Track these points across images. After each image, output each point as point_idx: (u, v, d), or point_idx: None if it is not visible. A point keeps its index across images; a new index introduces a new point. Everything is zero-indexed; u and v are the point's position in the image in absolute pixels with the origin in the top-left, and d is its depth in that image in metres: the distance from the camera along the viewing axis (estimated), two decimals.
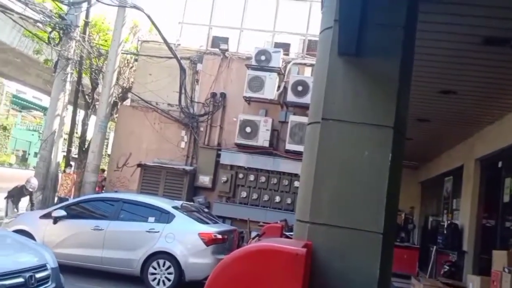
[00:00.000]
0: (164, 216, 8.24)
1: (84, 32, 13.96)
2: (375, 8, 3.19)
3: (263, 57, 12.58)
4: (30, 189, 11.72)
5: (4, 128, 37.54)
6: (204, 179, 13.03)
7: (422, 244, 12.67)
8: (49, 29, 13.30)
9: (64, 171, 13.41)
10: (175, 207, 8.54)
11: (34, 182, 11.85)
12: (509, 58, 4.95)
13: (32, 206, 12.10)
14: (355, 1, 2.99)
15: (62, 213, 8.47)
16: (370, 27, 3.17)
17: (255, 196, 12.66)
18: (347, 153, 3.13)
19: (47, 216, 8.58)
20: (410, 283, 8.41)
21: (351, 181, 3.08)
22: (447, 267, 8.96)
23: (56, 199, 12.97)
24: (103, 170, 14.52)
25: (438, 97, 6.75)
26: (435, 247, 9.68)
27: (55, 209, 8.76)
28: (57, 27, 12.94)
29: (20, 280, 4.39)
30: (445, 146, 10.60)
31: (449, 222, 9.79)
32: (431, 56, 5.23)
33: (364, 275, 2.92)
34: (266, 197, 12.59)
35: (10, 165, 33.71)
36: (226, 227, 9.66)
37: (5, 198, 12.19)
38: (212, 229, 8.34)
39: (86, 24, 14.22)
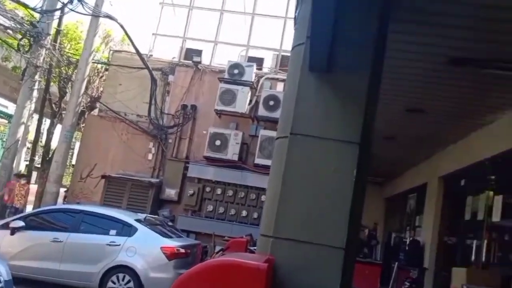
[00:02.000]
0: (126, 229, 8.04)
1: (55, 41, 13.70)
2: (346, 26, 3.23)
3: (236, 71, 12.59)
4: None
5: None
6: (170, 192, 12.82)
7: (384, 260, 12.79)
8: (19, 36, 12.97)
9: (19, 181, 12.84)
10: (138, 220, 8.36)
11: None
12: (474, 78, 5.11)
13: None
14: (327, 19, 3.01)
15: (20, 223, 8.16)
16: (341, 44, 3.20)
17: (221, 210, 12.53)
18: (314, 168, 3.12)
19: (4, 226, 8.24)
20: None
21: (316, 197, 3.07)
22: (408, 284, 9.05)
23: (8, 209, 12.43)
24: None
25: (405, 115, 6.89)
26: (396, 263, 9.78)
27: (13, 220, 8.43)
28: (28, 34, 12.64)
29: None
30: (410, 164, 10.82)
31: (411, 238, 9.93)
32: (400, 74, 5.34)
33: None
34: (232, 211, 12.46)
35: None
36: (189, 241, 9.49)
37: None
38: (175, 243, 8.17)
39: (58, 32, 13.98)
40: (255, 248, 6.71)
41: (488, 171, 6.94)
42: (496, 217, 6.25)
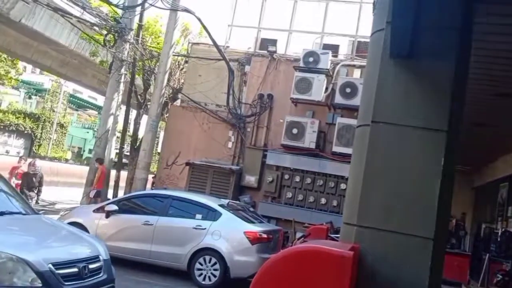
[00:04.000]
0: (211, 214, 8.39)
1: (138, 35, 14.44)
2: (429, 10, 3.14)
3: (311, 59, 12.51)
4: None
5: (61, 126, 39.48)
6: (250, 179, 13.13)
7: (473, 251, 12.20)
8: (105, 32, 13.84)
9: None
10: (222, 205, 8.67)
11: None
12: None
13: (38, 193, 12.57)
14: (409, 3, 2.95)
15: (114, 207, 8.80)
16: (424, 29, 3.12)
17: (300, 197, 12.62)
18: (398, 156, 3.09)
19: (100, 210, 8.95)
20: None
21: (401, 185, 3.04)
22: (500, 276, 8.60)
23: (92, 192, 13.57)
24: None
25: (496, 100, 6.48)
26: (488, 255, 9.30)
27: (107, 204, 9.14)
28: (112, 30, 13.45)
29: (74, 270, 4.54)
30: (501, 152, 10.15)
31: (503, 229, 9.38)
32: (490, 58, 5.03)
33: (413, 281, 2.87)
34: (311, 199, 12.50)
35: (66, 160, 35.41)
36: (271, 226, 9.70)
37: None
38: (257, 228, 8.41)
39: (140, 27, 14.70)
40: (336, 235, 6.74)
41: None
42: None
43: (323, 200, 12.39)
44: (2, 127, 33.08)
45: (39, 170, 12.49)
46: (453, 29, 3.13)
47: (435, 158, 3.00)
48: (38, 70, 42.64)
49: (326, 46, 13.39)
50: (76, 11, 13.78)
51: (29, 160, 13.74)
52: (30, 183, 12.29)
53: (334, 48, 13.46)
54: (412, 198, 2.99)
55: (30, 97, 44.70)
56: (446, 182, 3.00)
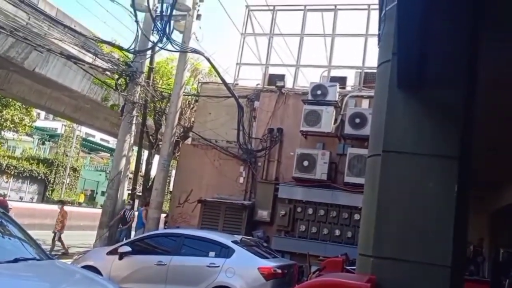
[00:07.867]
0: (224, 251, 8.29)
1: (149, 77, 14.75)
2: (435, 39, 3.20)
3: (319, 92, 12.66)
4: None
5: (74, 170, 39.89)
6: (263, 213, 13.04)
7: (493, 277, 11.86)
8: (117, 76, 14.16)
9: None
10: (235, 242, 8.58)
11: None
12: None
13: None
14: (413, 34, 3.01)
15: (127, 249, 8.73)
16: (430, 58, 3.18)
17: (314, 229, 12.47)
18: (410, 185, 3.08)
19: (113, 252, 8.90)
20: None
21: (415, 214, 3.02)
22: None
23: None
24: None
25: (506, 126, 6.46)
26: (507, 280, 9.03)
27: (120, 245, 9.09)
28: (124, 74, 13.76)
29: None
30: None
31: None
32: (503, 84, 5.05)
33: None
34: (325, 231, 12.35)
35: (80, 204, 35.52)
36: (285, 261, 9.54)
37: None
38: (271, 264, 8.27)
39: (151, 70, 15.03)
40: (352, 267, 6.62)
41: None
42: None
43: (337, 232, 12.23)
44: (16, 174, 33.49)
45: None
46: (461, 57, 3.18)
47: (448, 184, 2.98)
48: (51, 116, 43.57)
49: (333, 79, 13.58)
50: (88, 57, 14.17)
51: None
52: None
53: (342, 80, 13.65)
54: (427, 226, 2.96)
55: (43, 143, 45.51)
56: (461, 208, 2.97)
